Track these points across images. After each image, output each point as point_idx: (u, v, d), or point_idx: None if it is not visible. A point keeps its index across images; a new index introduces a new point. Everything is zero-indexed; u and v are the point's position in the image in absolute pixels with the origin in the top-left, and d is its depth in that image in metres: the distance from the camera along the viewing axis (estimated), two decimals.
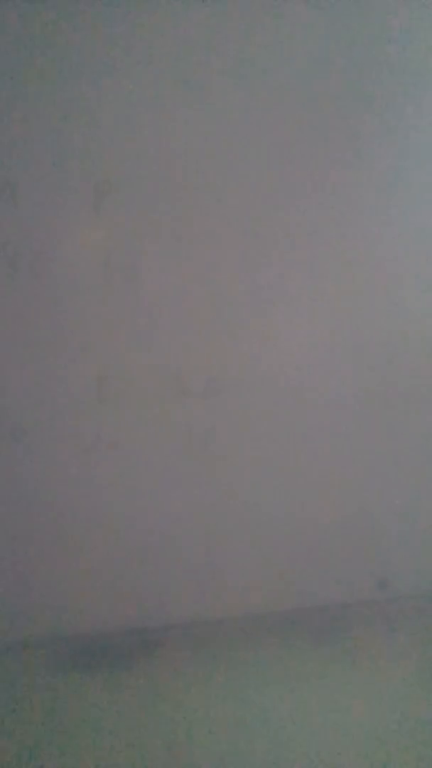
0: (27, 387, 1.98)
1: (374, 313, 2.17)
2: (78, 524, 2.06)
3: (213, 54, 1.94)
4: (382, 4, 2.02)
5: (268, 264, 2.06)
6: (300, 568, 2.22)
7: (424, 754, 1.64)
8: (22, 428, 1.99)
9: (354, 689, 1.91)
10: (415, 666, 2.01)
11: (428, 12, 2.05)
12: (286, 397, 2.14)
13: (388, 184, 2.12)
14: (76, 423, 2.02)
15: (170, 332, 2.03)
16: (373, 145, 2.08)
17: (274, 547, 2.21)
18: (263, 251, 2.05)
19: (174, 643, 2.15)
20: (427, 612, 2.28)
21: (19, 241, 1.89)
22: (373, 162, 2.10)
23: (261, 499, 2.17)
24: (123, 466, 2.06)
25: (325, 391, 2.16)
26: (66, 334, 1.97)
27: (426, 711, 1.80)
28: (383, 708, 1.82)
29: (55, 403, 2.00)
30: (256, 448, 2.15)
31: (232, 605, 2.19)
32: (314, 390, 2.15)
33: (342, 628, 2.22)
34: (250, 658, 2.09)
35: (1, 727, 1.79)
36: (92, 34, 1.86)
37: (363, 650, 2.10)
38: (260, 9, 1.95)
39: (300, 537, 2.22)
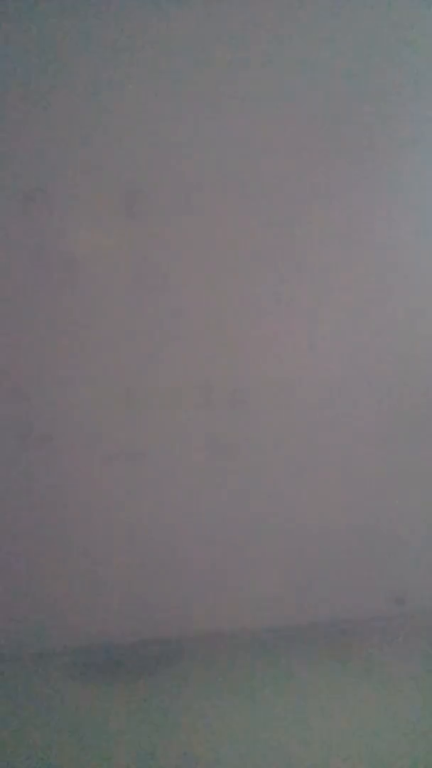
0: (55, 393, 1.97)
1: (402, 325, 2.16)
2: (100, 533, 2.05)
3: (246, 59, 1.93)
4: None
5: (299, 276, 2.05)
6: (318, 581, 2.21)
7: None
8: (49, 434, 1.98)
9: (369, 705, 1.90)
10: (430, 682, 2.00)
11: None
12: (310, 409, 2.13)
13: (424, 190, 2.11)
14: (102, 431, 2.01)
15: (198, 342, 2.02)
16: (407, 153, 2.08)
17: (293, 559, 2.20)
18: (294, 262, 2.04)
19: (191, 654, 2.14)
20: None
21: (52, 248, 1.89)
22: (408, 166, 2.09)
23: (281, 511, 2.16)
24: (147, 476, 2.05)
25: (349, 403, 2.15)
26: (96, 342, 1.96)
27: None
28: (398, 725, 1.81)
29: (81, 410, 1.99)
30: (279, 459, 2.14)
31: (250, 618, 2.18)
32: (338, 402, 2.14)
33: (358, 643, 2.21)
34: (265, 672, 2.08)
35: (22, 736, 1.78)
36: (122, 41, 1.86)
37: (378, 666, 2.09)
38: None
39: (319, 550, 2.20)
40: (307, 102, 1.98)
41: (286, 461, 2.14)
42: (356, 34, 1.98)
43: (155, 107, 1.90)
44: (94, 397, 1.99)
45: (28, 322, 1.92)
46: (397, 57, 2.02)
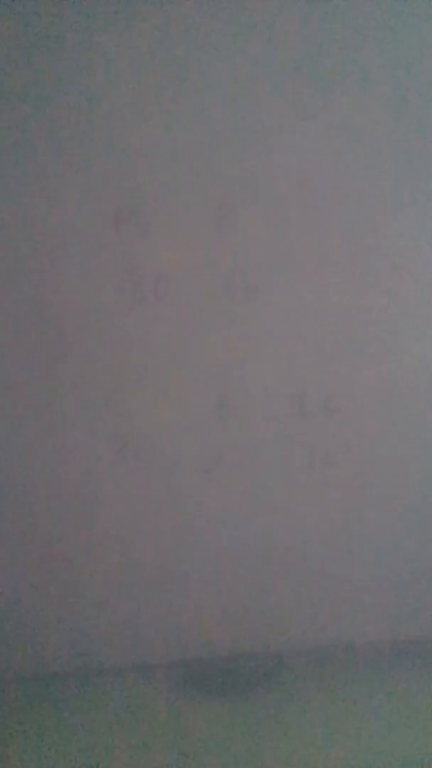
0: (147, 406, 1.99)
1: None
2: (199, 545, 2.07)
3: (338, 70, 1.91)
4: None
5: (393, 283, 2.01)
6: (427, 593, 2.15)
7: None
8: (143, 446, 2.01)
9: None
10: None
11: None
12: (408, 417, 2.09)
13: None
14: (197, 443, 2.02)
15: (290, 351, 2.01)
16: None
17: (398, 570, 2.15)
18: (388, 269, 2.01)
19: (296, 668, 2.13)
20: None
21: (144, 265, 1.92)
22: None
23: (383, 520, 2.12)
24: (243, 487, 2.06)
25: None
26: (188, 354, 1.98)
27: None
28: None
29: (174, 422, 2.01)
30: (378, 467, 2.10)
31: (356, 631, 2.15)
32: None
33: None
34: (374, 687, 2.04)
35: (125, 748, 1.81)
36: (207, 53, 1.87)
37: None
38: None
39: (425, 560, 2.15)
40: (399, 116, 1.95)
41: (384, 468, 2.10)
42: None
43: (245, 124, 1.89)
44: (187, 408, 2.01)
45: (121, 337, 1.96)
46: None
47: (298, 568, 2.10)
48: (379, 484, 2.11)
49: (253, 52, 1.87)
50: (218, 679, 2.09)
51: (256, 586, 2.10)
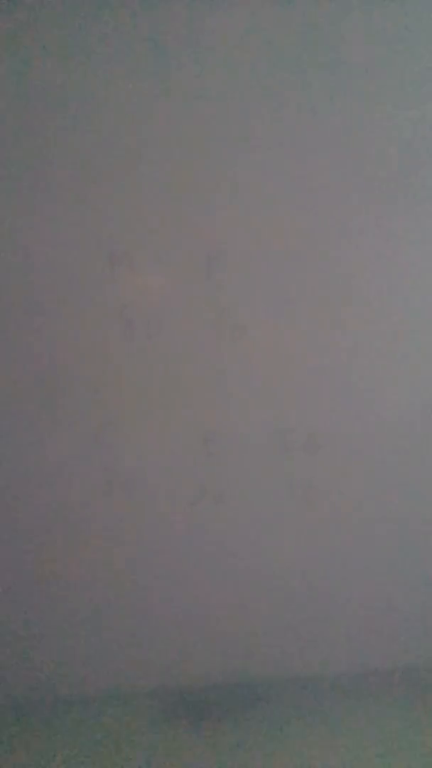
0: (135, 441, 2.06)
1: None
2: (182, 576, 2.11)
3: (326, 128, 2.02)
4: None
5: (375, 324, 2.10)
6: (408, 623, 2.20)
7: None
8: (132, 480, 2.07)
9: None
10: None
11: None
12: (389, 454, 2.16)
13: None
14: (183, 477, 2.09)
15: (275, 389, 2.09)
16: None
17: (379, 602, 2.21)
18: (371, 311, 2.10)
19: (277, 698, 2.15)
20: None
21: (135, 305, 2.00)
22: None
23: (364, 553, 2.18)
24: (227, 520, 2.11)
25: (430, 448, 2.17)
26: (176, 391, 2.05)
27: None
28: None
29: (162, 456, 2.07)
30: (359, 502, 2.17)
31: (338, 661, 2.19)
32: (416, 446, 2.17)
33: None
34: (355, 718, 2.07)
35: None
36: (202, 104, 1.97)
37: None
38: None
39: (406, 592, 2.21)
40: (379, 170, 2.06)
41: (364, 504, 2.17)
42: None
43: (234, 173, 2.00)
44: (174, 443, 2.07)
45: (112, 373, 2.03)
46: None
47: (279, 598, 2.15)
48: (360, 519, 2.17)
49: (246, 103, 1.98)
50: (199, 707, 2.12)
51: (238, 616, 2.14)
